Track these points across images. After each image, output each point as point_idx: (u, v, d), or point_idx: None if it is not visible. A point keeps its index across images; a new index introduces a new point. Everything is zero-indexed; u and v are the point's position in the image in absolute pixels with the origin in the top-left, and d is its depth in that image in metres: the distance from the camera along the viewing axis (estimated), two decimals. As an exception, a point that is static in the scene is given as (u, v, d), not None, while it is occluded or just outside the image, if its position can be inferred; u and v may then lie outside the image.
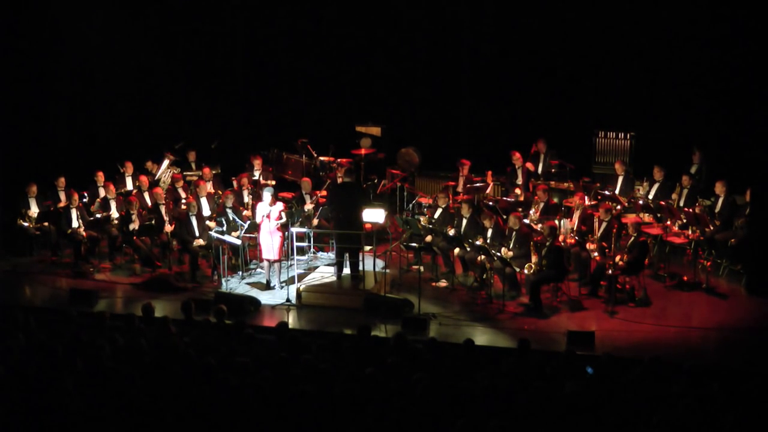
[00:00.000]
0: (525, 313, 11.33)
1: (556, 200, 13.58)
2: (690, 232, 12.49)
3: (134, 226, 13.10)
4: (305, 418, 6.79)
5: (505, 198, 14.17)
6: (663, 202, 12.96)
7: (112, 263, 13.47)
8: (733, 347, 10.26)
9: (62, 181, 14.20)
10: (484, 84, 16.46)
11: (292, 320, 11.34)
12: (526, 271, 11.49)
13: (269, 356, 8.25)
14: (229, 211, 13.20)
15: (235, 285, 12.41)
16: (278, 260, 12.27)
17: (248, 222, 12.70)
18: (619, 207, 13.10)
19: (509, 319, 11.21)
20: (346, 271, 12.24)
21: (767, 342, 10.34)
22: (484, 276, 11.98)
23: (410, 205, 14.98)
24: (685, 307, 11.56)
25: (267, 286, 12.30)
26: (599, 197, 13.39)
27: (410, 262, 13.21)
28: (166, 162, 15.25)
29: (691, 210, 12.59)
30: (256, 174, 15.17)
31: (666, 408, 6.98)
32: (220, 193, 14.39)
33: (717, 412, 6.91)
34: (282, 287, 12.19)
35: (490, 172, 14.75)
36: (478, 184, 14.39)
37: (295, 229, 12.34)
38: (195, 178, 14.95)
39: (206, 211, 13.71)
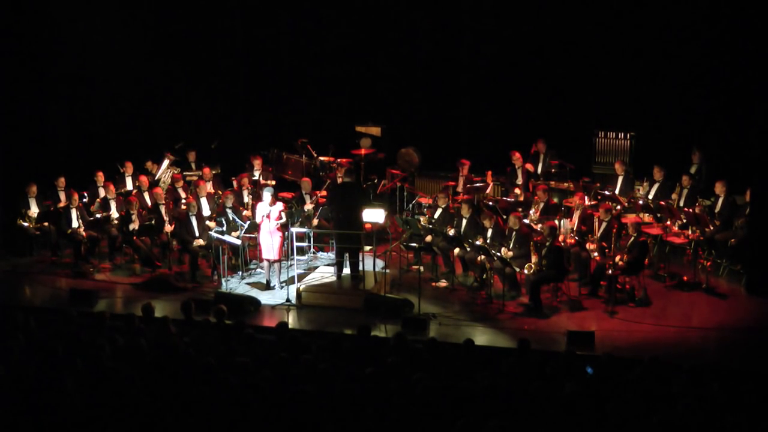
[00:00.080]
0: (525, 313, 11.33)
1: (556, 200, 13.58)
2: (690, 232, 12.49)
3: (134, 226, 13.10)
4: (305, 418, 6.79)
5: (505, 198, 14.17)
6: (663, 202, 12.96)
7: (112, 263, 13.48)
8: (733, 347, 10.26)
9: (62, 181, 14.20)
10: (484, 84, 16.47)
11: (292, 320, 11.34)
12: (526, 271, 11.49)
13: (269, 356, 8.25)
14: (229, 211, 13.20)
15: (235, 285, 12.41)
16: (278, 260, 12.27)
17: (248, 222, 12.71)
18: (619, 207, 13.10)
19: (509, 319, 11.21)
20: (346, 271, 12.24)
21: (767, 342, 10.34)
22: (484, 276, 11.98)
23: (410, 205, 14.99)
24: (685, 307, 11.56)
25: (267, 286, 12.30)
26: (599, 197, 13.39)
27: (410, 262, 13.21)
28: (166, 162, 15.25)
29: (691, 210, 12.59)
30: (256, 174, 15.17)
31: (666, 408, 6.98)
32: (220, 193, 14.39)
33: (717, 412, 6.91)
34: (282, 287, 12.19)
35: (490, 172, 14.75)
36: (478, 184, 14.39)
37: (295, 229, 12.34)
38: (195, 178, 14.95)
39: (206, 211, 13.71)
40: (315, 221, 13.39)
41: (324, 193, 14.03)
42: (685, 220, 12.54)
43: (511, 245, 11.80)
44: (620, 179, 13.82)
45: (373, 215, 11.96)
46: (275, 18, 17.28)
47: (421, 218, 13.11)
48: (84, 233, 13.32)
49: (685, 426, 6.67)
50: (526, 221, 12.58)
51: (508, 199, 13.96)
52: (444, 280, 12.51)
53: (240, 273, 12.76)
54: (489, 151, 15.58)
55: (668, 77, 14.91)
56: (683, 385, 7.63)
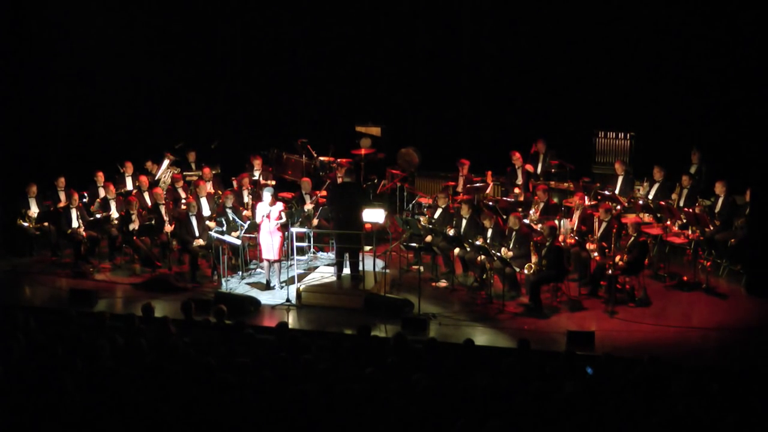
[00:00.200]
0: (525, 313, 11.33)
1: (556, 200, 13.57)
2: (690, 232, 12.49)
3: (134, 226, 13.11)
4: (305, 418, 6.79)
5: (505, 198, 14.17)
6: (663, 202, 12.96)
7: (112, 263, 13.48)
8: (733, 347, 10.25)
9: (62, 181, 14.20)
10: (484, 84, 16.47)
11: (292, 320, 11.34)
12: (526, 271, 11.49)
13: (269, 356, 8.25)
14: (229, 211, 13.21)
15: (235, 285, 12.41)
16: (278, 260, 12.27)
17: (248, 222, 12.71)
18: (619, 207, 13.10)
19: (509, 319, 11.21)
20: (346, 271, 12.24)
21: (767, 342, 10.35)
22: (484, 276, 11.98)
23: (410, 205, 14.99)
24: (684, 307, 11.56)
25: (267, 286, 12.30)
26: (599, 197, 13.39)
27: (410, 262, 13.21)
28: (166, 162, 15.25)
29: (691, 210, 12.59)
30: (256, 174, 15.17)
31: (666, 408, 6.98)
32: (220, 193, 14.39)
33: (717, 412, 6.90)
34: (282, 287, 12.19)
35: (490, 172, 14.75)
36: (478, 184, 14.39)
37: (295, 229, 12.34)
38: (195, 178, 14.96)
39: (206, 211, 13.71)
40: (315, 221, 13.39)
41: (324, 193, 14.03)
42: (685, 220, 12.54)
43: (511, 245, 11.80)
44: (620, 179, 13.82)
45: (373, 215, 11.95)
46: (275, 18, 17.28)
47: (421, 218, 13.11)
48: (84, 233, 13.32)
49: (685, 426, 6.67)
50: (526, 221, 12.58)
51: (508, 199, 13.95)
52: (444, 280, 12.51)
53: (240, 273, 12.76)
54: (489, 151, 15.58)
55: (668, 77, 14.91)
56: (683, 385, 7.62)
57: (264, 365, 7.87)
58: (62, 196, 14.09)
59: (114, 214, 13.78)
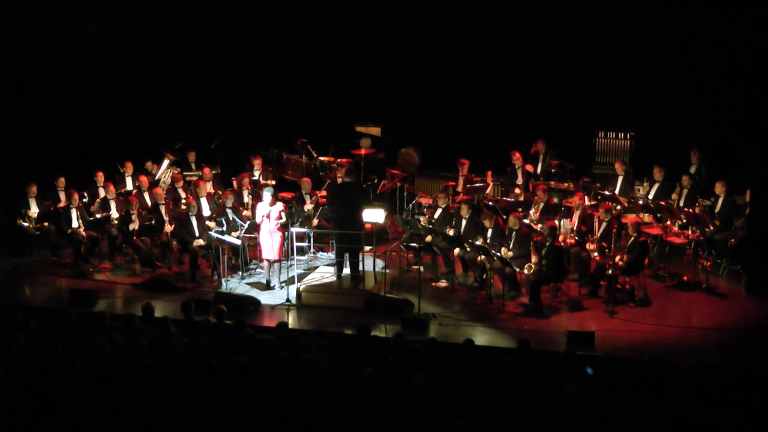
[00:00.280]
0: (525, 313, 11.33)
1: (556, 200, 13.58)
2: (690, 232, 12.49)
3: (134, 226, 13.10)
4: (305, 418, 6.79)
5: (505, 198, 14.17)
6: (663, 202, 12.96)
7: (112, 263, 13.48)
8: (733, 347, 10.25)
9: (62, 181, 14.20)
10: (484, 84, 16.48)
11: (292, 320, 11.34)
12: (526, 271, 11.49)
13: (269, 356, 8.25)
14: (229, 211, 13.21)
15: (235, 285, 12.41)
16: (278, 260, 12.27)
17: (248, 222, 12.71)
18: (619, 207, 13.10)
19: (509, 319, 11.21)
20: (346, 271, 12.23)
21: (767, 342, 10.34)
22: (484, 276, 11.98)
23: (410, 205, 14.99)
24: (685, 307, 11.56)
25: (267, 286, 12.30)
26: (599, 197, 13.39)
27: (410, 262, 13.21)
28: (166, 162, 15.25)
29: (691, 210, 12.59)
30: (256, 174, 15.17)
31: (666, 408, 6.98)
32: (220, 193, 14.39)
33: (717, 412, 6.90)
34: (282, 287, 12.19)
35: (489, 172, 14.75)
36: (478, 184, 14.39)
37: (295, 229, 12.34)
38: (195, 178, 14.95)
39: (206, 211, 13.71)
40: (315, 221, 13.39)
41: (324, 193, 14.02)
42: (685, 220, 12.54)
43: (511, 245, 11.80)
44: (620, 179, 13.82)
45: (373, 215, 11.95)
46: (275, 18, 17.28)
47: (421, 218, 13.11)
48: (84, 233, 13.32)
49: (685, 426, 6.67)
50: (526, 221, 12.58)
51: (508, 199, 13.95)
52: (444, 280, 12.51)
53: (240, 273, 12.76)
54: (489, 151, 15.59)
55: (668, 77, 14.91)
56: (683, 385, 7.63)
57: (264, 365, 7.87)
58: (62, 196, 14.09)
59: (114, 214, 13.78)
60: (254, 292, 12.07)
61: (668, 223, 12.67)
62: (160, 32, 16.79)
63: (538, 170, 14.77)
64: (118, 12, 16.07)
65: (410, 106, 17.04)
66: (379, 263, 12.35)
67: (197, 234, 12.90)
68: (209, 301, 11.36)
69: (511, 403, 7.00)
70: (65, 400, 6.95)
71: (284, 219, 12.22)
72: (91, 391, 7.24)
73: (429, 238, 12.62)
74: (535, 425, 6.78)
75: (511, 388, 7.32)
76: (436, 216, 12.99)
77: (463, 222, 12.50)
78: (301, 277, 12.14)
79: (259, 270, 12.97)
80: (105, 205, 13.95)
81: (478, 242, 11.87)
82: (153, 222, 13.24)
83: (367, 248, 12.60)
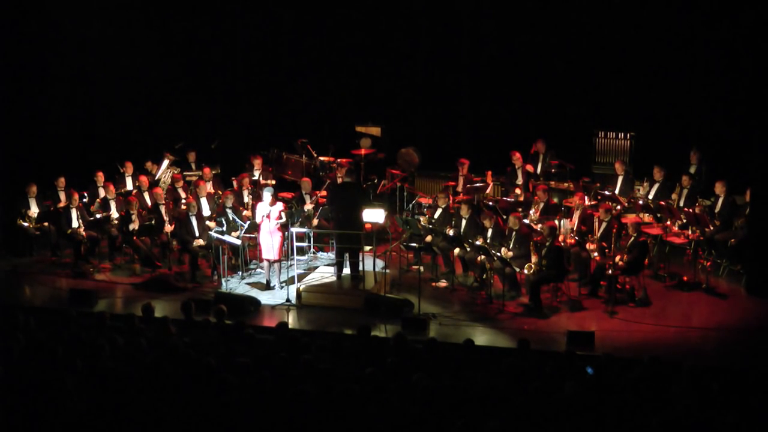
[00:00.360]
0: (525, 313, 11.33)
1: (556, 200, 13.58)
2: (690, 232, 12.49)
3: (134, 226, 13.10)
4: (305, 418, 6.79)
5: (505, 198, 14.17)
6: (663, 202, 12.96)
7: (112, 263, 13.47)
8: (733, 347, 10.25)
9: (62, 181, 14.20)
10: (484, 84, 16.48)
11: (292, 320, 11.34)
12: (526, 271, 11.49)
13: (269, 356, 8.25)
14: (229, 211, 13.21)
15: (235, 285, 12.41)
16: (278, 260, 12.27)
17: (248, 222, 12.71)
18: (619, 207, 13.10)
19: (509, 319, 11.21)
20: (346, 271, 12.23)
21: (767, 342, 10.34)
22: (484, 276, 11.98)
23: (410, 205, 14.99)
24: (685, 307, 11.56)
25: (267, 286, 12.30)
26: (599, 197, 13.39)
27: (410, 262, 13.21)
28: (165, 162, 15.26)
29: (691, 210, 12.59)
30: (256, 174, 15.17)
31: (666, 408, 6.98)
32: (220, 193, 14.39)
33: (717, 412, 6.91)
34: (282, 287, 12.19)
35: (489, 172, 14.75)
36: (478, 184, 14.39)
37: (295, 229, 12.34)
38: (195, 178, 14.96)
39: (206, 211, 13.71)
40: (315, 221, 13.39)
41: (324, 193, 14.03)
42: (685, 220, 12.54)
43: (511, 245, 11.80)
44: (620, 179, 13.82)
45: (373, 215, 11.95)
46: (275, 18, 17.29)
47: (421, 218, 13.11)
48: (84, 233, 13.32)
49: (685, 426, 6.67)
50: (526, 221, 12.58)
51: (508, 199, 13.95)
52: (444, 280, 12.50)
53: (240, 273, 12.76)
54: (489, 151, 15.58)
55: (668, 77, 14.91)
56: (683, 385, 7.63)
57: (264, 365, 7.87)
58: (62, 196, 14.09)
59: (114, 214, 13.78)
60: (254, 292, 12.07)
61: (668, 223, 12.67)
62: (160, 32, 16.79)
63: (538, 170, 14.78)
64: (118, 12, 16.06)
65: (410, 106, 17.04)
66: (379, 263, 12.35)
67: (197, 234, 12.90)
68: (209, 301, 11.36)
69: (511, 403, 7.00)
70: (65, 400, 6.95)
71: (284, 219, 12.22)
72: (91, 391, 7.24)
73: (429, 238, 12.62)
74: (535, 425, 6.78)
75: (511, 388, 7.32)
76: (436, 216, 12.99)
77: (463, 222, 12.50)
78: (301, 277, 12.14)
79: (259, 270, 12.97)
80: (105, 205, 13.95)
81: (478, 242, 11.87)
82: (153, 222, 13.24)
83: (367, 248, 12.60)
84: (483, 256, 11.79)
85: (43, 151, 15.31)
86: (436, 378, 7.43)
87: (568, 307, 11.48)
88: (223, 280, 12.44)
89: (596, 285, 11.79)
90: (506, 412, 6.84)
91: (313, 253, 13.63)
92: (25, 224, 13.75)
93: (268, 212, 12.13)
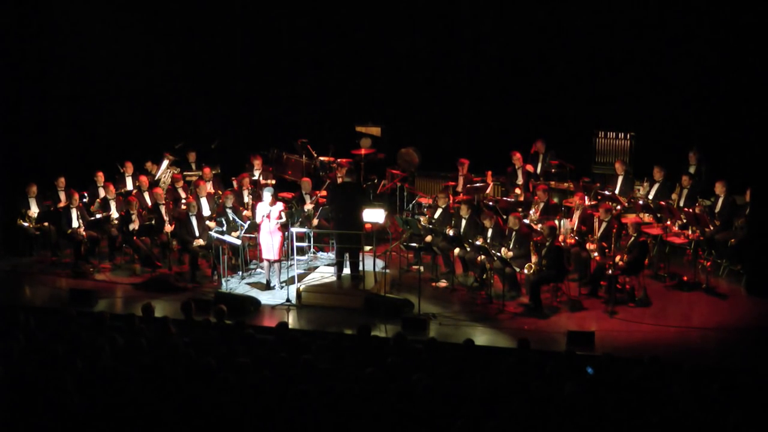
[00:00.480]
0: (525, 313, 11.33)
1: (556, 200, 13.58)
2: (690, 232, 12.49)
3: (134, 226, 13.11)
4: (305, 418, 6.79)
5: (505, 198, 14.17)
6: (663, 202, 12.96)
7: (112, 263, 13.48)
8: (733, 347, 10.25)
9: (62, 181, 14.21)
10: (484, 84, 16.49)
11: (292, 320, 11.34)
12: (526, 271, 11.49)
13: (269, 356, 8.25)
14: (229, 211, 13.21)
15: (235, 285, 12.41)
16: (278, 260, 12.27)
17: (248, 222, 12.71)
18: (619, 207, 13.10)
19: (509, 319, 11.21)
20: (346, 271, 12.24)
21: (767, 342, 10.34)
22: (484, 276, 11.98)
23: (410, 205, 14.99)
24: (685, 307, 11.56)
25: (267, 286, 12.30)
26: (599, 197, 13.39)
27: (410, 262, 13.21)
28: (165, 162, 15.26)
29: (691, 210, 12.59)
30: (256, 174, 15.17)
31: (666, 408, 6.98)
32: (220, 193, 14.39)
33: (717, 412, 6.91)
34: (282, 287, 12.19)
35: (490, 172, 14.75)
36: (478, 184, 14.39)
37: (295, 229, 12.34)
38: (195, 178, 14.96)
39: (206, 211, 13.71)
40: (315, 221, 13.39)
41: (324, 193, 14.03)
42: (685, 220, 12.54)
43: (511, 245, 11.80)
44: (620, 179, 13.82)
45: (373, 215, 11.95)
46: (275, 18, 17.28)
47: (421, 218, 13.11)
48: (84, 233, 13.32)
49: (685, 426, 6.67)
50: (526, 221, 12.58)
51: (508, 199, 13.96)
52: (444, 280, 12.50)
53: (240, 273, 12.76)
54: (489, 151, 15.58)
55: (668, 77, 14.91)
56: (683, 385, 7.63)
57: (264, 365, 7.87)
58: (62, 196, 14.09)
59: (114, 214, 13.78)
60: (254, 292, 12.07)
61: (668, 223, 12.67)
62: (160, 32, 16.77)
63: (538, 170, 14.78)
64: (119, 12, 16.05)
65: (410, 106, 17.04)
66: (379, 263, 12.35)
67: (197, 234, 12.91)
68: (209, 301, 11.37)
69: (511, 403, 7.00)
70: (65, 400, 6.95)
71: (284, 219, 12.22)
72: (91, 391, 7.24)
73: (429, 238, 12.62)
74: (535, 425, 6.78)
75: (511, 388, 7.32)
76: (436, 216, 12.99)
77: (463, 222, 12.50)
78: (301, 277, 12.14)
79: (259, 270, 12.97)
80: (105, 205, 13.95)
81: (478, 242, 11.87)
82: (153, 222, 13.24)
83: (367, 248, 12.60)
84: (483, 256, 11.79)
85: (43, 151, 15.30)
86: (436, 378, 7.43)
87: (568, 307, 11.48)
88: (223, 280, 12.44)
89: (596, 285, 11.79)
90: (506, 412, 6.84)
91: (313, 253, 13.63)
92: (25, 224, 13.75)
93: (268, 212, 12.13)
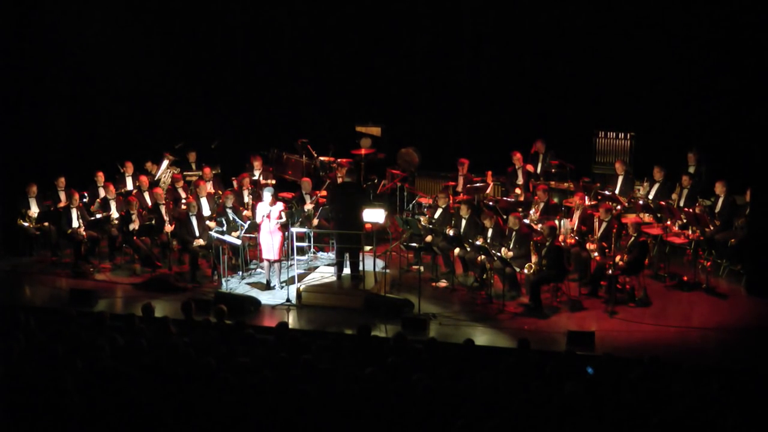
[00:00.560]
0: (525, 313, 11.33)
1: (556, 200, 13.58)
2: (690, 232, 12.49)
3: (134, 226, 13.10)
4: (305, 418, 6.79)
5: (505, 198, 14.18)
6: (663, 202, 12.96)
7: (112, 263, 13.48)
8: (733, 347, 10.25)
9: (62, 181, 14.21)
10: (484, 84, 16.47)
11: (292, 320, 11.34)
12: (526, 271, 11.49)
13: (269, 356, 8.25)
14: (229, 211, 13.21)
15: (235, 285, 12.41)
16: (278, 260, 12.27)
17: (248, 222, 12.71)
18: (619, 207, 13.10)
19: (509, 319, 11.21)
20: (346, 271, 12.24)
21: (767, 342, 10.34)
22: (484, 276, 11.98)
23: (410, 205, 14.99)
24: (685, 307, 11.56)
25: (267, 286, 12.30)
26: (599, 197, 13.39)
27: (410, 262, 13.21)
28: (165, 162, 15.26)
29: (691, 210, 12.60)
30: (256, 174, 15.17)
31: (666, 408, 6.98)
32: (220, 193, 14.40)
33: (717, 412, 6.90)
34: (282, 287, 12.19)
35: (490, 172, 14.76)
36: (478, 184, 14.39)
37: (295, 229, 12.35)
38: (195, 178, 14.96)
39: (206, 211, 13.72)
40: (315, 221, 13.39)
41: (324, 193, 14.03)
42: (685, 220, 12.54)
43: (511, 245, 11.80)
44: (620, 179, 13.82)
45: (373, 215, 11.94)
46: (275, 18, 17.28)
47: (421, 218, 13.11)
48: (84, 233, 13.31)
49: (685, 426, 6.67)
50: (526, 221, 12.59)
51: (508, 199, 13.96)
52: (444, 280, 12.50)
53: (240, 273, 12.76)
54: (489, 151, 15.58)
55: (668, 77, 14.91)
56: (683, 385, 7.63)
57: (264, 365, 7.87)
58: (62, 196, 14.09)
59: (114, 214, 13.78)
60: (254, 292, 12.07)
61: (668, 223, 12.67)
62: (160, 32, 16.78)
63: (538, 170, 14.78)
64: (119, 12, 16.05)
65: (410, 106, 17.04)
66: (379, 263, 12.35)
67: (197, 234, 12.91)
68: (209, 301, 11.37)
69: (511, 403, 7.00)
70: (65, 400, 6.95)
71: (284, 219, 12.22)
72: (91, 391, 7.24)
73: (429, 238, 12.62)
74: (535, 425, 6.78)
75: (511, 388, 7.32)
76: (436, 216, 12.99)
77: (463, 222, 12.50)
78: (301, 277, 12.14)
79: (259, 270, 12.97)
80: (105, 205, 13.95)
81: (478, 242, 11.87)
82: (153, 222, 13.24)
83: (367, 248, 12.60)
84: (483, 256, 11.79)
85: (43, 151, 15.30)
86: (436, 378, 7.43)
87: (568, 307, 11.48)
88: (223, 280, 12.44)
89: (596, 285, 11.79)
90: (506, 412, 6.84)
91: (313, 253, 13.63)
92: (25, 224, 13.75)
93: (268, 212, 12.13)
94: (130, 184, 14.86)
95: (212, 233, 12.64)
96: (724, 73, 14.23)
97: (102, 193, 14.30)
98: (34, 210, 13.90)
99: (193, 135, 16.39)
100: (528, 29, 15.85)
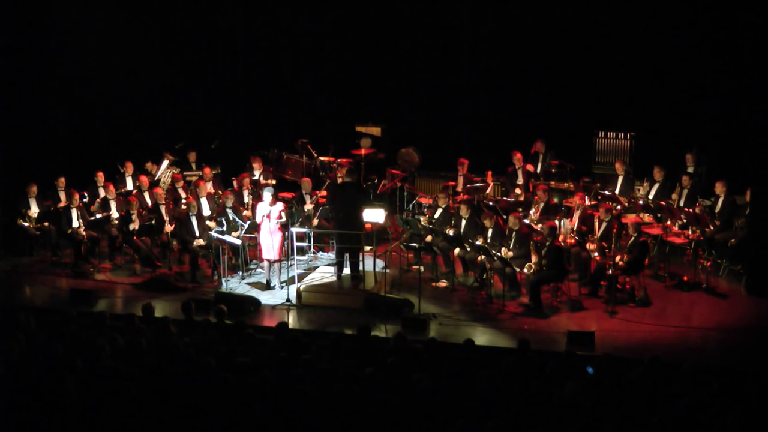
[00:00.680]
0: (525, 313, 11.33)
1: (556, 200, 13.58)
2: (690, 232, 12.49)
3: (134, 226, 13.11)
4: (305, 418, 6.79)
5: (505, 198, 14.18)
6: (663, 202, 12.97)
7: (112, 263, 13.48)
8: (733, 347, 10.26)
9: (62, 181, 14.21)
10: (484, 84, 16.49)
11: (292, 320, 11.34)
12: (526, 271, 11.49)
13: (269, 356, 8.25)
14: (229, 211, 13.21)
15: (235, 285, 12.41)
16: (278, 260, 12.27)
17: (248, 222, 12.71)
18: (619, 207, 13.11)
19: (509, 319, 11.21)
20: (346, 271, 12.24)
21: (767, 342, 10.34)
22: (484, 276, 11.98)
23: (410, 205, 14.99)
24: (685, 307, 11.56)
25: (267, 286, 12.30)
26: (599, 197, 13.40)
27: (410, 262, 13.21)
28: (165, 162, 15.26)
29: (691, 210, 12.60)
30: (256, 174, 15.17)
31: (666, 408, 6.98)
32: (220, 193, 14.40)
33: (717, 412, 6.90)
34: (282, 287, 12.19)
35: (490, 172, 14.76)
36: (478, 184, 14.40)
37: (295, 229, 12.34)
38: (195, 178, 14.96)
39: (206, 211, 13.72)
40: (315, 221, 13.39)
41: (324, 193, 14.03)
42: (685, 220, 12.54)
43: (511, 245, 11.80)
44: (620, 179, 13.82)
45: (373, 215, 11.94)
46: (275, 18, 17.29)
47: (421, 218, 13.11)
48: (84, 233, 13.31)
49: (685, 426, 6.67)
50: (526, 221, 12.59)
51: (508, 199, 13.97)
52: (444, 280, 12.51)
53: (240, 273, 12.76)
54: (489, 151, 15.59)
55: (668, 77, 14.91)
56: (683, 385, 7.62)
57: (264, 365, 7.87)
58: (62, 196, 14.09)
59: (114, 214, 13.78)
60: (254, 292, 12.07)
61: (668, 223, 12.68)
62: (160, 33, 16.79)
63: (538, 170, 14.78)
64: (119, 12, 16.06)
65: (410, 106, 17.04)
66: (379, 263, 12.35)
67: (197, 234, 12.91)
68: (209, 301, 11.37)
69: (511, 403, 6.99)
70: (65, 400, 6.95)
71: (284, 219, 12.22)
72: (91, 391, 7.24)
73: (429, 238, 12.62)
74: (535, 425, 6.78)
75: (511, 388, 7.32)
76: (436, 216, 12.99)
77: (463, 222, 12.50)
78: (301, 277, 12.14)
79: (259, 270, 12.97)
80: (105, 205, 13.95)
81: (478, 242, 11.87)
82: (153, 222, 13.24)
83: (367, 248, 12.60)
84: (483, 256, 11.79)
85: (43, 151, 15.31)
86: (436, 378, 7.42)
87: (568, 307, 11.48)
88: (223, 280, 12.44)
89: (596, 285, 11.79)
90: (506, 412, 6.84)
91: (313, 253, 13.63)
92: (25, 224, 13.75)
93: (268, 212, 12.13)
94: (130, 184, 14.86)
95: (212, 233, 12.64)
96: (724, 73, 14.24)
97: (102, 193, 14.30)
98: (34, 210, 13.91)
99: (193, 135, 16.40)
100: (528, 29, 15.86)
